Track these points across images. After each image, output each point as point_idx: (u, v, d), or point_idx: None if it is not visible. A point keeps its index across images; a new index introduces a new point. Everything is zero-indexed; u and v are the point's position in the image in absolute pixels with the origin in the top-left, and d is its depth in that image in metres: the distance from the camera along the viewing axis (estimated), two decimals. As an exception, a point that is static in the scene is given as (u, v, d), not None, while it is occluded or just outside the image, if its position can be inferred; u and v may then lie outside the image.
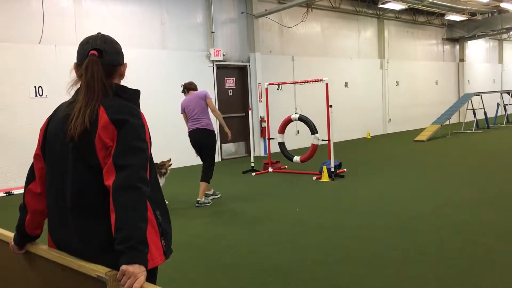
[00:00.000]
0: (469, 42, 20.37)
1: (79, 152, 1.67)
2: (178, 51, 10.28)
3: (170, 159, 6.48)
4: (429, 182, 7.36)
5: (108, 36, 1.82)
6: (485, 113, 16.28)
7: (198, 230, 5.29)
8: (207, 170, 6.31)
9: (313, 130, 8.62)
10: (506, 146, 11.24)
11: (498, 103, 17.89)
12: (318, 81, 8.87)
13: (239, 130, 11.69)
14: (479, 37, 19.69)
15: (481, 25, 18.52)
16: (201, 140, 6.30)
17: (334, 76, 13.96)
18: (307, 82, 9.18)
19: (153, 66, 9.79)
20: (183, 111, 6.42)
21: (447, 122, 14.70)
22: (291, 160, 8.96)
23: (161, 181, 6.09)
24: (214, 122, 6.58)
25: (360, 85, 15.13)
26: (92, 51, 1.72)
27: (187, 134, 6.41)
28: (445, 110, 15.65)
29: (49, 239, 1.86)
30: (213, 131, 6.34)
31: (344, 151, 11.36)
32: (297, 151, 10.15)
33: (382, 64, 16.05)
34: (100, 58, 1.72)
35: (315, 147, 8.60)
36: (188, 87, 6.50)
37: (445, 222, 5.04)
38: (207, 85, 10.77)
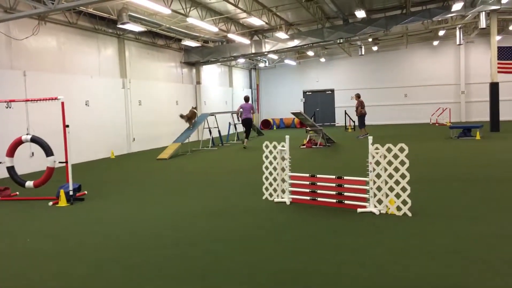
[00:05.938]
0: (204, 66, 22.39)
1: None
2: None
3: None
4: (169, 197, 7.71)
5: None
6: (219, 131, 18.07)
7: None
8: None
9: (48, 152, 8.00)
10: (237, 162, 12.71)
11: (230, 123, 20.13)
12: (53, 99, 8.29)
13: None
14: (212, 62, 21.84)
15: (213, 52, 20.63)
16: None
17: (73, 94, 13.39)
18: (41, 100, 8.47)
19: None
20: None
21: (187, 141, 15.73)
22: (23, 185, 8.10)
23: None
24: None
25: (102, 104, 14.84)
26: None
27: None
28: (185, 129, 16.74)
29: None
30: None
31: (87, 173, 10.92)
32: (33, 175, 9.28)
33: (124, 83, 16.13)
34: None
35: (51, 170, 8.00)
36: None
37: (181, 234, 5.36)
38: None
